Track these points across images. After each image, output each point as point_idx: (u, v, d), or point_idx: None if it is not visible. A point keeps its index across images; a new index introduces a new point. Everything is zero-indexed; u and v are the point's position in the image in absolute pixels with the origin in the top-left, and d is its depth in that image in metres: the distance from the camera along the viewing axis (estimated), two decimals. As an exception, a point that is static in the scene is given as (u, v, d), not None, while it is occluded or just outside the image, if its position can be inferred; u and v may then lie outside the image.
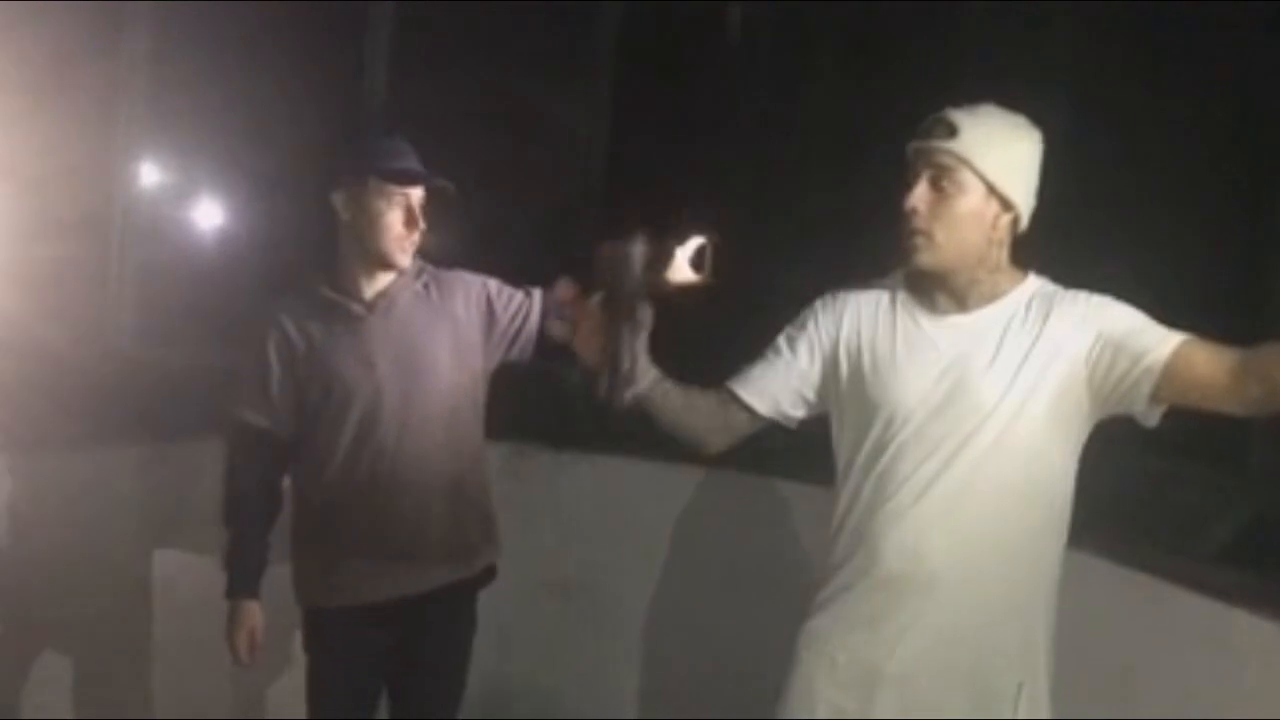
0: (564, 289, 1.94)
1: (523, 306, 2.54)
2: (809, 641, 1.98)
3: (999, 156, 1.85)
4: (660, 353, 1.92)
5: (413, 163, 2.42)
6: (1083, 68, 3.08)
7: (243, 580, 2.45)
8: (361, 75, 3.68)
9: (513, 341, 2.54)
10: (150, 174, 3.59)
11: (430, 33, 3.69)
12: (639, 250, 1.80)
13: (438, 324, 2.47)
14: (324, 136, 3.79)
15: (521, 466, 2.77)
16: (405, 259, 2.43)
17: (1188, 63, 2.99)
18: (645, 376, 1.92)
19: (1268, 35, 2.78)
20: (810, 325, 2.02)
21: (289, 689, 3.15)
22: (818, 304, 2.05)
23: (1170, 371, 1.76)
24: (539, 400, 2.59)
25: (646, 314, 1.86)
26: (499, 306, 2.53)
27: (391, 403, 2.41)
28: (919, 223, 1.85)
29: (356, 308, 2.43)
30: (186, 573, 3.11)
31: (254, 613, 2.45)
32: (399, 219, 2.39)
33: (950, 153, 1.84)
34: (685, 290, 2.52)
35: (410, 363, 2.43)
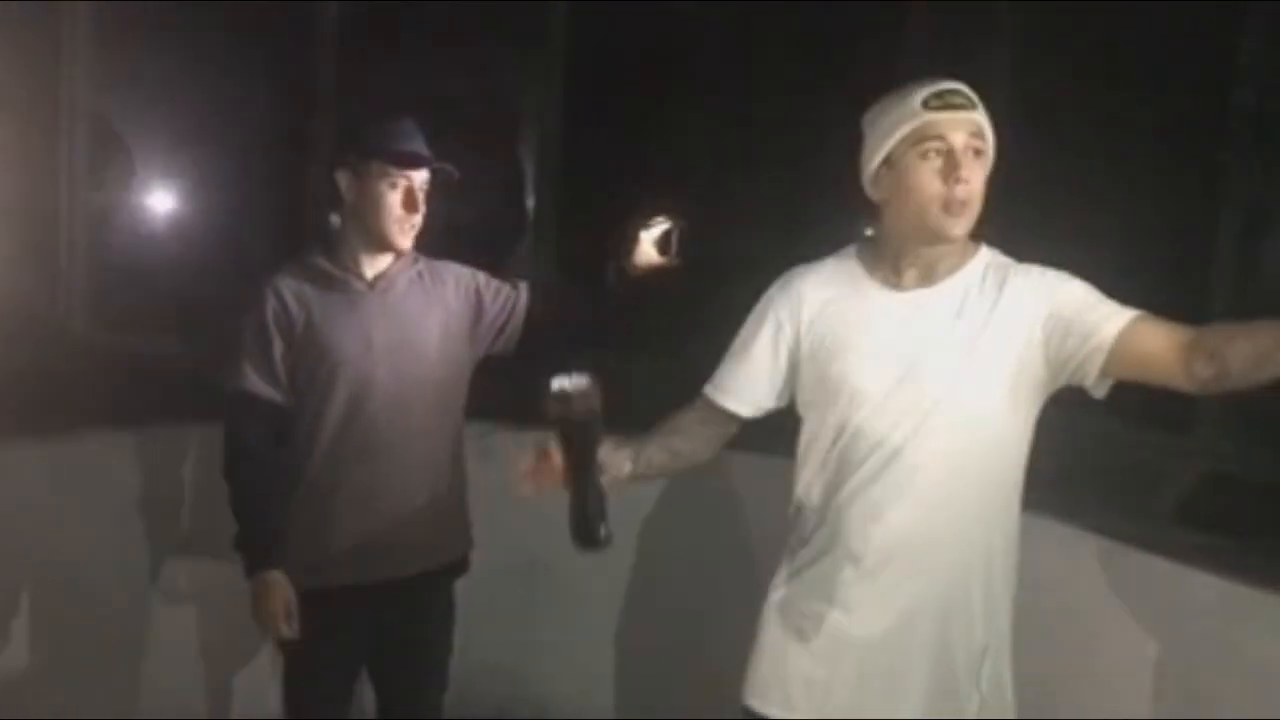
0: (524, 466, 1.93)
1: (510, 300, 2.58)
2: (776, 614, 2.01)
3: (991, 129, 1.88)
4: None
5: (417, 146, 2.43)
6: (1026, 54, 3.12)
7: (262, 553, 2.41)
8: (314, 62, 3.64)
9: (498, 334, 2.58)
10: (100, 160, 3.54)
11: (381, 21, 3.67)
12: (590, 393, 1.79)
13: (432, 310, 2.50)
14: (275, 122, 3.77)
15: (486, 447, 2.77)
16: (405, 241, 2.45)
17: (1132, 46, 3.04)
18: (624, 466, 1.98)
19: (1214, 17, 2.82)
20: (770, 316, 2.04)
21: (257, 679, 3.16)
22: (773, 290, 2.06)
23: (1121, 347, 1.79)
24: (502, 379, 2.60)
25: (602, 451, 1.87)
26: (487, 298, 2.57)
27: (384, 381, 2.42)
28: (969, 193, 1.84)
29: (358, 284, 2.46)
30: (144, 560, 3.09)
31: (282, 583, 2.39)
32: (399, 201, 2.41)
33: (978, 123, 1.85)
34: (653, 271, 2.55)
35: (405, 344, 2.45)
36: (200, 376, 2.91)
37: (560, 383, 1.77)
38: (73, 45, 3.36)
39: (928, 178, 1.84)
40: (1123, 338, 1.79)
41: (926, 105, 1.84)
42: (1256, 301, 2.74)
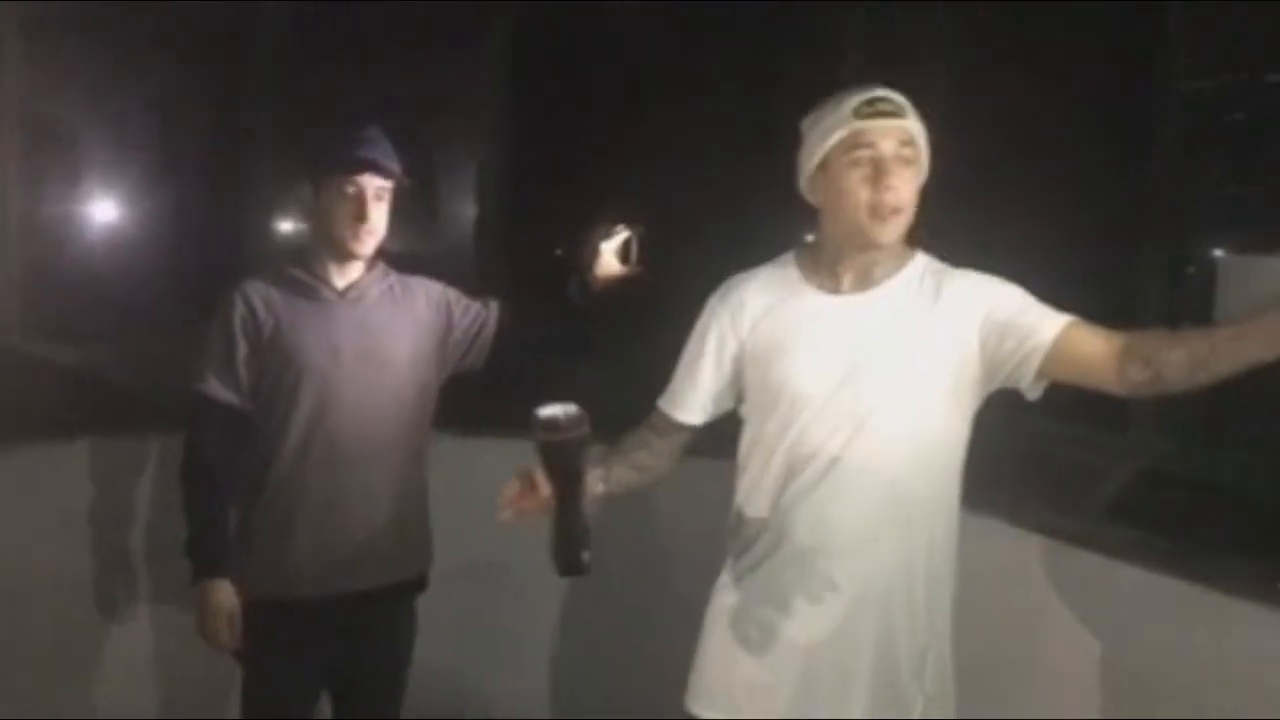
0: (509, 492, 1.92)
1: (479, 317, 2.59)
2: (720, 620, 2.03)
3: (925, 136, 1.91)
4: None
5: (372, 152, 2.41)
6: (959, 50, 3.18)
7: (211, 561, 2.37)
8: (253, 67, 3.61)
9: (467, 351, 2.58)
10: (34, 169, 3.49)
11: (323, 21, 3.64)
12: (580, 421, 1.76)
13: (401, 323, 2.49)
14: (212, 127, 3.73)
15: (431, 451, 2.77)
16: (362, 248, 2.43)
17: (1061, 42, 3.10)
18: (596, 487, 2.00)
19: (1146, 13, 2.89)
20: (713, 326, 2.06)
21: (211, 695, 3.12)
22: (713, 300, 2.09)
23: (1056, 351, 1.83)
24: (447, 383, 2.60)
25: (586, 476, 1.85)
26: (457, 314, 2.57)
27: (350, 392, 2.41)
28: (899, 199, 1.88)
29: (328, 293, 2.45)
30: (78, 574, 3.04)
31: (228, 593, 2.36)
32: (350, 208, 2.39)
33: (908, 130, 1.88)
34: (614, 281, 2.57)
35: (373, 355, 2.44)
36: (139, 387, 2.87)
37: (551, 411, 1.74)
38: (3, 51, 3.31)
39: (856, 184, 1.87)
40: (1058, 342, 1.83)
41: (857, 113, 1.87)
42: (1184, 307, 2.81)
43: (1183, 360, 1.72)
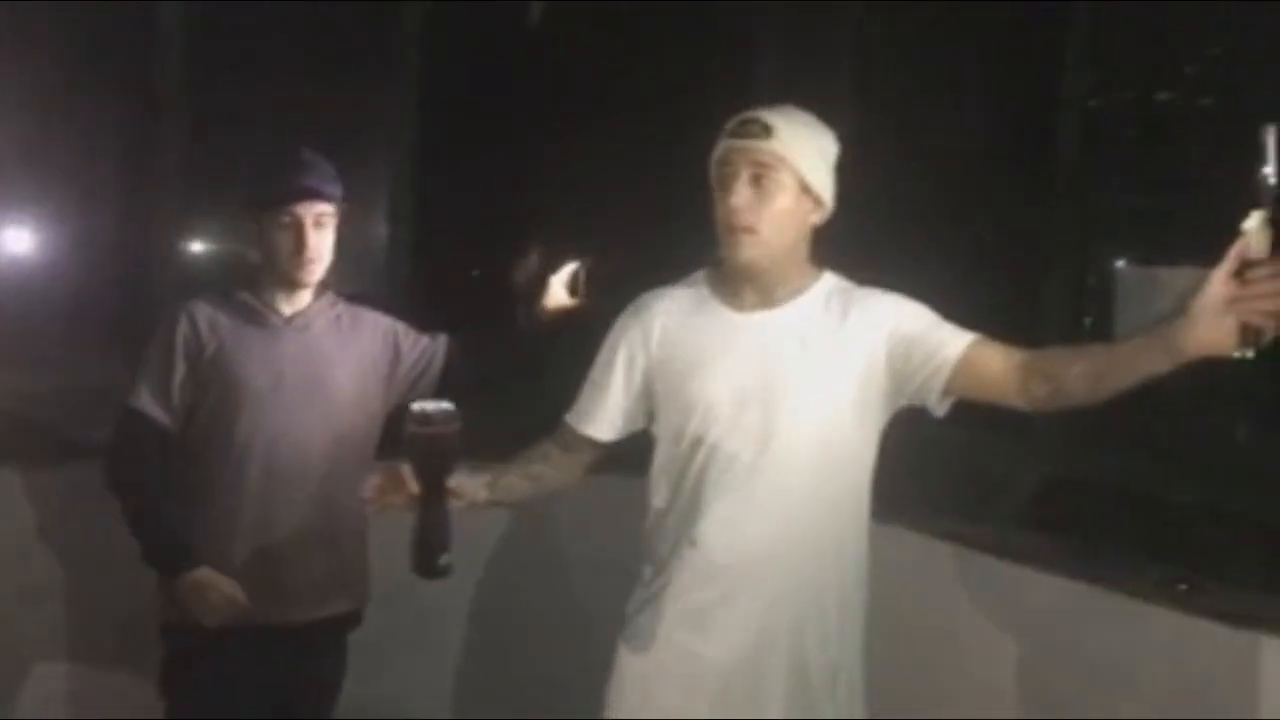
0: (370, 485, 1.89)
1: (427, 351, 2.56)
2: (635, 638, 2.02)
3: (810, 155, 1.93)
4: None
5: (306, 177, 2.36)
6: (865, 69, 3.23)
7: (179, 552, 2.31)
8: (158, 89, 3.54)
9: (414, 384, 2.53)
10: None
11: (223, 34, 3.58)
12: (451, 419, 1.78)
13: (348, 353, 2.46)
14: (119, 150, 3.66)
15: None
16: (306, 277, 2.38)
17: (969, 61, 3.17)
18: (479, 492, 1.97)
19: (1046, 33, 2.96)
20: (623, 343, 2.07)
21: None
22: (624, 317, 2.09)
23: (961, 368, 1.86)
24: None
25: (457, 476, 1.86)
26: (405, 348, 2.54)
27: (291, 420, 2.37)
28: (743, 219, 1.91)
29: (274, 319, 2.41)
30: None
31: (213, 574, 2.28)
32: (290, 238, 2.35)
33: (769, 152, 1.90)
34: (563, 313, 2.57)
35: (317, 384, 2.40)
36: (43, 416, 2.80)
37: (422, 405, 1.77)
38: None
39: (718, 201, 1.93)
40: (963, 359, 1.86)
41: (727, 132, 1.93)
42: (1087, 318, 2.89)
43: (1083, 374, 1.76)
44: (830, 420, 1.92)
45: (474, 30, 3.87)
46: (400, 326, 2.57)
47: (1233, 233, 1.48)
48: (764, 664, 1.94)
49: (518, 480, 2.08)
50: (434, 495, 1.81)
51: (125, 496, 2.35)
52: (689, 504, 1.96)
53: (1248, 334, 1.51)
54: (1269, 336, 1.50)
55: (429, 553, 1.80)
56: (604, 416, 2.08)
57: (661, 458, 2.03)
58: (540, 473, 2.11)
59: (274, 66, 3.64)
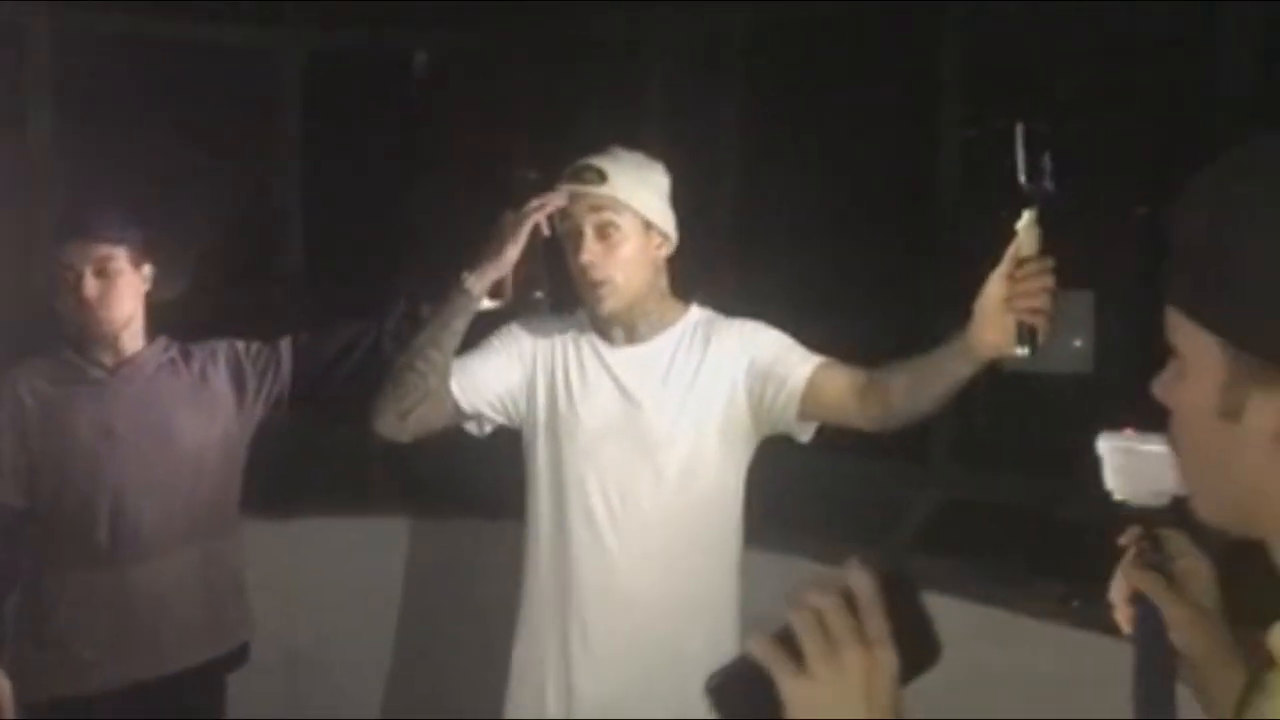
0: None
1: (271, 360, 2.49)
2: (518, 671, 2.03)
3: (647, 194, 1.96)
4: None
5: (81, 219, 2.31)
6: (749, 92, 3.27)
7: None
8: (24, 124, 3.42)
9: (268, 399, 2.48)
10: None
11: (97, 81, 3.48)
12: None
13: (186, 394, 2.39)
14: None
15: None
16: (100, 328, 2.31)
17: (849, 94, 3.23)
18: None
19: (928, 53, 3.03)
20: (513, 341, 2.07)
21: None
22: (515, 325, 2.09)
23: (811, 392, 1.91)
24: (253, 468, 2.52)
25: None
26: (248, 367, 2.47)
27: (132, 472, 2.30)
28: (598, 274, 1.93)
29: (96, 372, 2.34)
30: None
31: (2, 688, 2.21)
32: (69, 286, 2.27)
33: (607, 197, 1.92)
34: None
35: (154, 432, 2.33)
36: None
37: None
38: None
39: (571, 259, 1.95)
40: (811, 383, 1.90)
41: (566, 178, 1.95)
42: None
43: (905, 388, 1.81)
44: (697, 454, 1.95)
45: (356, 79, 3.84)
46: (240, 346, 2.50)
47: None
48: (641, 694, 1.94)
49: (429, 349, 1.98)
50: None
51: None
52: (564, 537, 1.98)
53: (1023, 331, 1.56)
54: (1043, 333, 1.55)
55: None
56: (474, 382, 2.02)
57: (535, 493, 2.03)
58: (433, 360, 1.98)
59: (148, 109, 3.54)
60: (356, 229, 3.74)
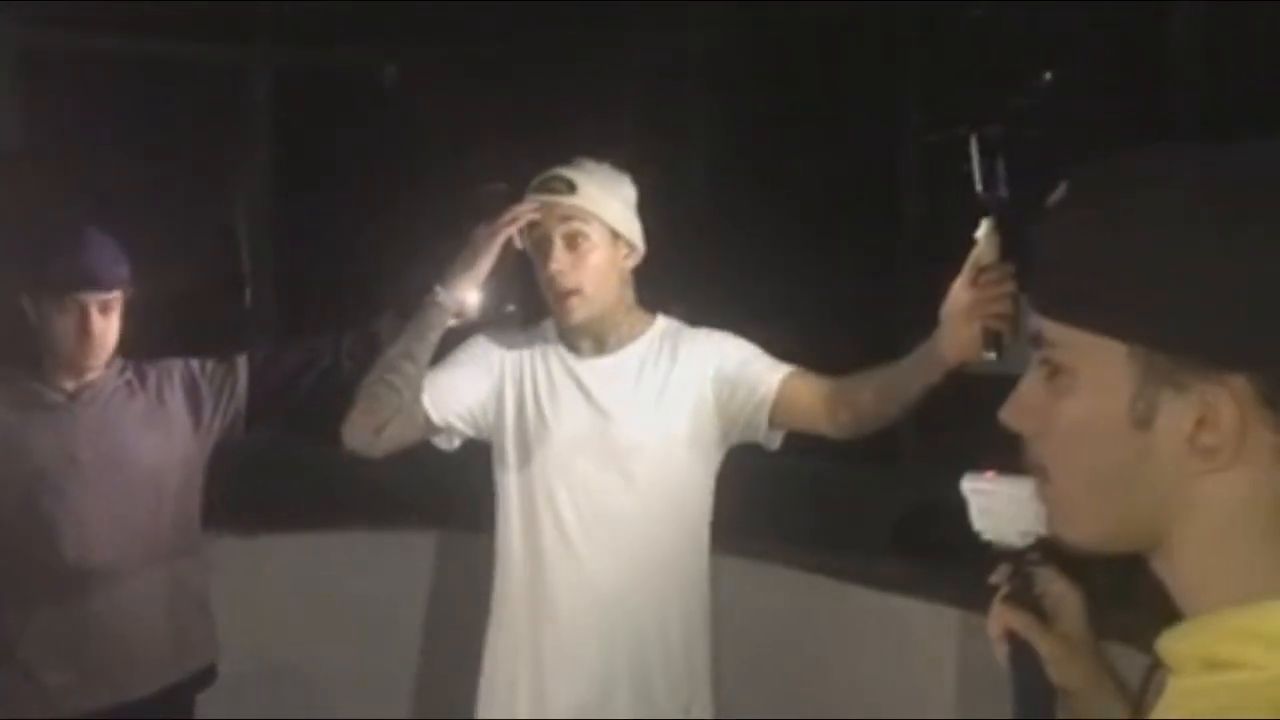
0: None
1: (228, 378, 2.48)
2: (488, 684, 2.04)
3: (615, 204, 1.98)
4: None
5: (90, 263, 2.27)
6: (717, 103, 3.30)
7: None
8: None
9: (225, 416, 2.46)
10: None
11: (64, 98, 3.47)
12: None
13: (144, 415, 2.38)
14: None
15: (215, 555, 2.65)
16: (90, 361, 2.31)
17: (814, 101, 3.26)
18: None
19: (884, 72, 3.06)
20: (481, 353, 2.06)
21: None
22: (483, 337, 2.09)
23: (780, 401, 1.93)
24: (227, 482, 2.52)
25: None
26: (204, 386, 2.46)
27: (96, 498, 2.29)
28: (566, 283, 1.94)
29: (56, 397, 2.32)
30: None
31: None
32: (72, 325, 2.26)
33: (576, 207, 1.94)
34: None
35: (115, 455, 2.32)
36: None
37: None
38: None
39: (540, 269, 1.96)
40: (780, 392, 1.92)
41: (534, 188, 1.96)
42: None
43: (873, 395, 1.84)
44: (667, 464, 1.97)
45: (326, 94, 3.85)
46: (196, 365, 2.49)
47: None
48: (612, 705, 1.95)
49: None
50: None
51: None
52: (533, 548, 1.98)
53: (988, 337, 1.59)
54: (1009, 337, 1.57)
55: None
56: (444, 396, 2.01)
57: (505, 504, 2.04)
58: (407, 374, 1.97)
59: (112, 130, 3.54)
60: (326, 244, 3.75)
